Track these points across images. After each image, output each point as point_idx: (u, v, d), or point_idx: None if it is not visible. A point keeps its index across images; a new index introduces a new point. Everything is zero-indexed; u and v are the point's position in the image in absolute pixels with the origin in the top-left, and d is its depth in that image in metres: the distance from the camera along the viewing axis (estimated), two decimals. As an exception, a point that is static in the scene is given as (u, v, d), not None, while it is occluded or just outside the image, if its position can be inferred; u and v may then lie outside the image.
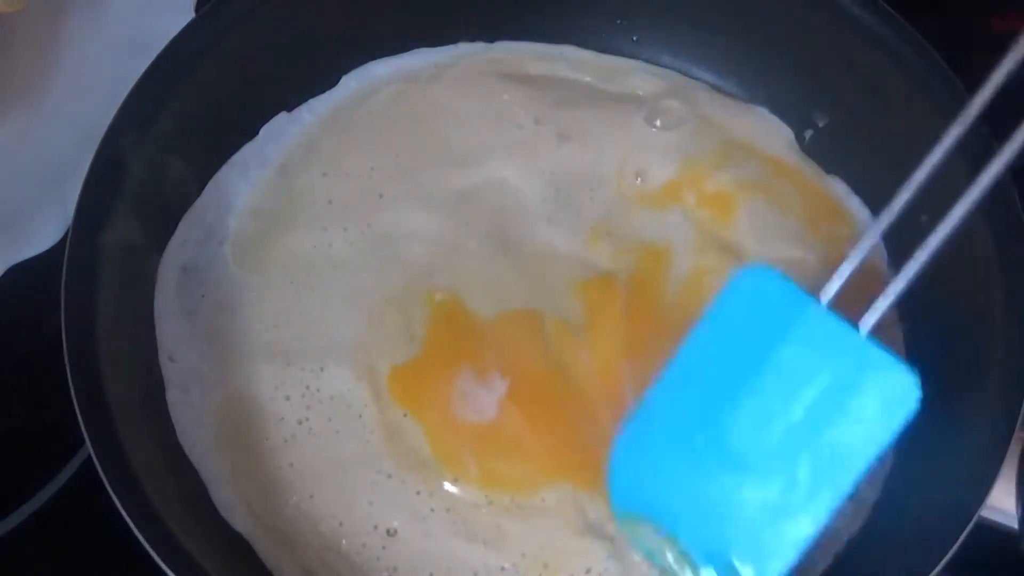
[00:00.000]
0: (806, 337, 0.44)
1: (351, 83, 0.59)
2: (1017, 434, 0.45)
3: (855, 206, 0.58)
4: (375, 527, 0.48)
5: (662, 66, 0.61)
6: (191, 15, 0.60)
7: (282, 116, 0.58)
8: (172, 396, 0.51)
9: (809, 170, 0.59)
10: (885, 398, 0.42)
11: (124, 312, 0.49)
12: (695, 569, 0.46)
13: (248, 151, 0.57)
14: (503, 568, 0.48)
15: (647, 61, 0.61)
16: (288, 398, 0.51)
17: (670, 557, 0.46)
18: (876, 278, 0.56)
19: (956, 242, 0.52)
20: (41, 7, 0.63)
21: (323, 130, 0.58)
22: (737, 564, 0.44)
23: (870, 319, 0.43)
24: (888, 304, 0.43)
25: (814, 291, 0.44)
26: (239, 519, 0.49)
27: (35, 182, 0.58)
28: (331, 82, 0.59)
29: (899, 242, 0.56)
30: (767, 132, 0.59)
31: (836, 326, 0.43)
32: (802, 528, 0.43)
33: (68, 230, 0.48)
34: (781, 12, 0.57)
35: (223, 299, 0.53)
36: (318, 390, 0.51)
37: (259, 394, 0.51)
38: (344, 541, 0.48)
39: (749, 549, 0.44)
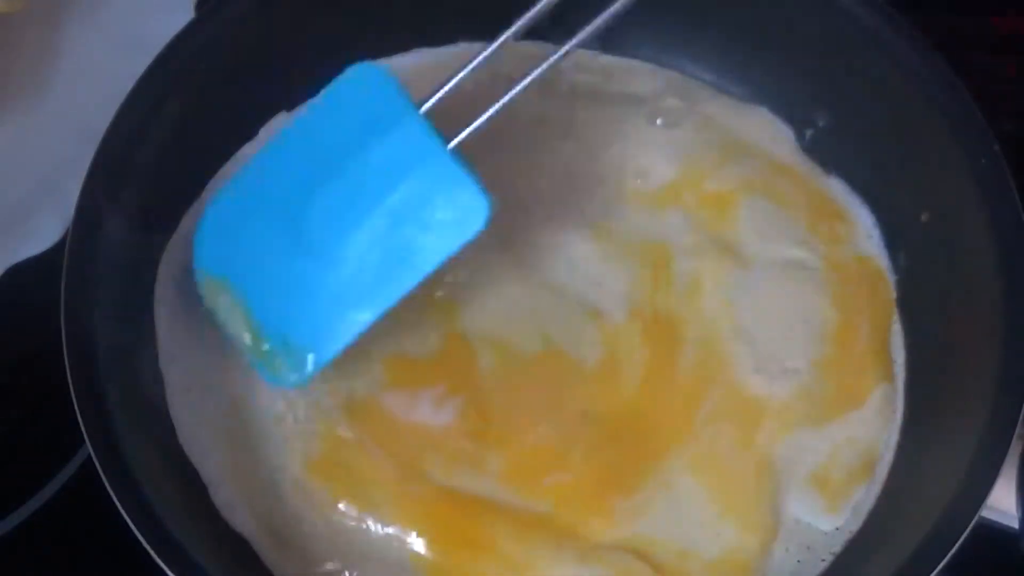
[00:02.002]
0: (398, 141, 0.46)
1: (351, 83, 0.59)
2: (1017, 434, 0.45)
3: (855, 206, 0.58)
4: (375, 528, 0.48)
5: (662, 66, 0.61)
6: (191, 15, 0.60)
7: (282, 116, 0.58)
8: (172, 396, 0.51)
9: (809, 170, 0.59)
10: (456, 212, 0.46)
11: (124, 312, 0.49)
12: (259, 342, 0.49)
13: (248, 151, 0.57)
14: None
15: (647, 61, 0.61)
16: (288, 397, 0.51)
17: (241, 327, 0.49)
18: (873, 272, 0.56)
19: (950, 237, 0.52)
20: (41, 7, 0.63)
21: (323, 130, 0.58)
22: (295, 341, 0.48)
23: (457, 137, 0.46)
24: (477, 124, 0.46)
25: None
26: (239, 519, 0.49)
27: (35, 182, 0.58)
28: (331, 82, 0.59)
29: (899, 241, 0.56)
30: (767, 132, 0.59)
31: (426, 136, 0.46)
32: (361, 316, 0.47)
33: (68, 230, 0.48)
34: (782, 12, 0.57)
35: (223, 299, 0.53)
36: (318, 390, 0.51)
37: (259, 394, 0.51)
38: (344, 540, 0.48)
39: (310, 329, 0.48)
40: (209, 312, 0.50)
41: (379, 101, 0.47)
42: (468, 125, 0.46)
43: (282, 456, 0.50)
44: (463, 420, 0.50)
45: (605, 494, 0.49)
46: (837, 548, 0.50)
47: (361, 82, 0.48)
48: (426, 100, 0.47)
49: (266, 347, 0.49)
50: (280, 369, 0.49)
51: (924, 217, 0.54)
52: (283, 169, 0.49)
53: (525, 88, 0.46)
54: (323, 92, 0.49)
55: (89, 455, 0.43)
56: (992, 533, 0.48)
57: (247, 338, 0.49)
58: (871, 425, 0.52)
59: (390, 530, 0.48)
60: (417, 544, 0.48)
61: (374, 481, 0.49)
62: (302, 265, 0.48)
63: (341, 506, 0.49)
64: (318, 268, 0.48)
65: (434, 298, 0.53)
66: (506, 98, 0.46)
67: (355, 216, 0.47)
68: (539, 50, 0.49)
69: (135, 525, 0.42)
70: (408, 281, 0.47)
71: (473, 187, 0.46)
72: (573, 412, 0.51)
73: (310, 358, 0.48)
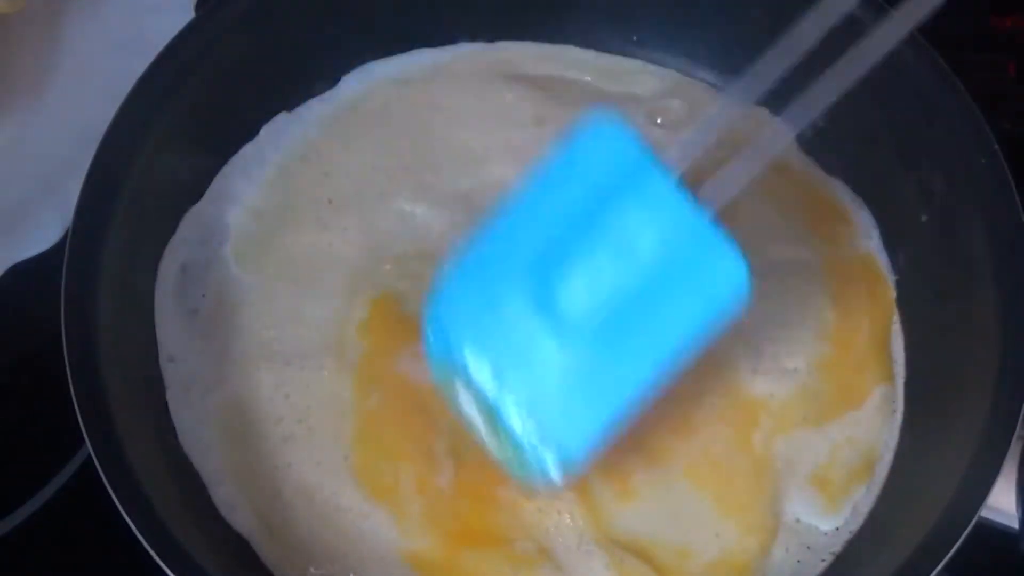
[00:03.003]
0: (645, 204, 0.40)
1: (351, 83, 0.59)
2: (1017, 434, 0.45)
3: (855, 206, 0.58)
4: (375, 528, 0.48)
5: (662, 66, 0.61)
6: (191, 15, 0.60)
7: (282, 116, 0.58)
8: (172, 396, 0.51)
9: (809, 170, 0.59)
10: (714, 285, 0.40)
11: (124, 312, 0.49)
12: (500, 437, 0.43)
13: (248, 151, 0.57)
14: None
15: (647, 61, 0.61)
16: (288, 397, 0.51)
17: (479, 419, 0.43)
18: (873, 272, 0.56)
19: (950, 237, 0.52)
20: (41, 7, 0.63)
21: (323, 130, 0.58)
22: (538, 435, 0.42)
23: (715, 197, 0.40)
24: (738, 184, 0.40)
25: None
26: (239, 519, 0.49)
27: (35, 182, 0.58)
28: (331, 82, 0.59)
29: (899, 241, 0.56)
30: (767, 132, 0.59)
31: (677, 201, 0.40)
32: (610, 403, 0.41)
33: (68, 230, 0.48)
34: (782, 12, 0.57)
35: (223, 299, 0.53)
36: (318, 389, 0.51)
37: (259, 394, 0.51)
38: (344, 540, 0.48)
39: (554, 419, 0.42)
40: (440, 389, 0.45)
41: (620, 158, 0.41)
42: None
43: (282, 456, 0.50)
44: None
45: (604, 494, 0.49)
46: (837, 548, 0.50)
47: (599, 137, 0.41)
48: (671, 160, 0.41)
49: (507, 441, 0.43)
50: (524, 467, 0.43)
51: (924, 217, 0.54)
52: (517, 238, 0.42)
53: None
54: (558, 149, 0.42)
55: (89, 455, 0.43)
56: (992, 533, 0.48)
57: (485, 433, 0.44)
58: (871, 425, 0.52)
59: (391, 530, 0.48)
60: (417, 544, 0.48)
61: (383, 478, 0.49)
62: (543, 345, 0.41)
63: (341, 506, 0.49)
64: (560, 349, 0.41)
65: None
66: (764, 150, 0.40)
67: (602, 285, 0.40)
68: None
69: (135, 525, 0.42)
70: (663, 361, 0.41)
71: (733, 254, 0.40)
72: None
73: (556, 455, 0.42)
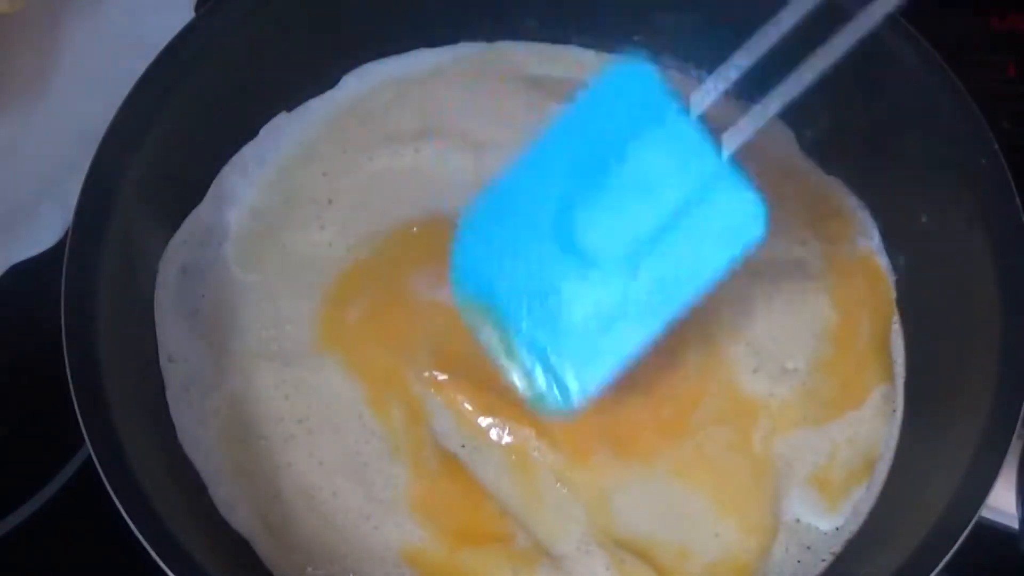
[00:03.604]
0: (668, 144, 0.42)
1: (351, 83, 0.59)
2: (1017, 434, 0.45)
3: (855, 206, 0.58)
4: (375, 527, 0.48)
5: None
6: (191, 15, 0.60)
7: (282, 116, 0.58)
8: (172, 396, 0.51)
9: (809, 170, 0.59)
10: (732, 220, 0.42)
11: (124, 312, 0.49)
12: (521, 367, 0.46)
13: (248, 151, 0.57)
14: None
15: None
16: (287, 397, 0.51)
17: (502, 349, 0.46)
18: (873, 272, 0.56)
19: (950, 237, 0.52)
20: (41, 7, 0.63)
21: (323, 130, 0.58)
22: (559, 366, 0.45)
23: (733, 139, 0.42)
24: (754, 126, 0.41)
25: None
26: (239, 519, 0.49)
27: (35, 181, 0.58)
28: (331, 82, 0.59)
29: (899, 241, 0.56)
30: (767, 132, 0.59)
31: (699, 139, 0.42)
32: (630, 337, 0.44)
33: (68, 230, 0.48)
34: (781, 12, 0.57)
35: (223, 299, 0.53)
36: (318, 389, 0.51)
37: (259, 393, 0.51)
38: (343, 540, 0.48)
39: (574, 351, 0.44)
40: (471, 330, 0.47)
41: (645, 101, 0.43)
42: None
43: (281, 455, 0.50)
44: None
45: (604, 494, 0.49)
46: (837, 548, 0.50)
47: (625, 81, 0.43)
48: (691, 100, 0.43)
49: (528, 372, 0.45)
50: (544, 397, 0.46)
51: (924, 217, 0.54)
52: (541, 177, 0.45)
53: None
54: (584, 92, 0.44)
55: (89, 455, 0.43)
56: (992, 533, 0.48)
57: (508, 363, 0.46)
58: (871, 425, 0.52)
59: (391, 530, 0.48)
60: (417, 544, 0.48)
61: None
62: (566, 282, 0.44)
63: (341, 506, 0.49)
64: (583, 285, 0.44)
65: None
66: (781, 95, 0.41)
67: (626, 227, 0.43)
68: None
69: (135, 525, 0.42)
70: (684, 296, 0.43)
71: (750, 192, 0.42)
72: None
73: (575, 385, 0.45)
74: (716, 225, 0.42)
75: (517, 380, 0.46)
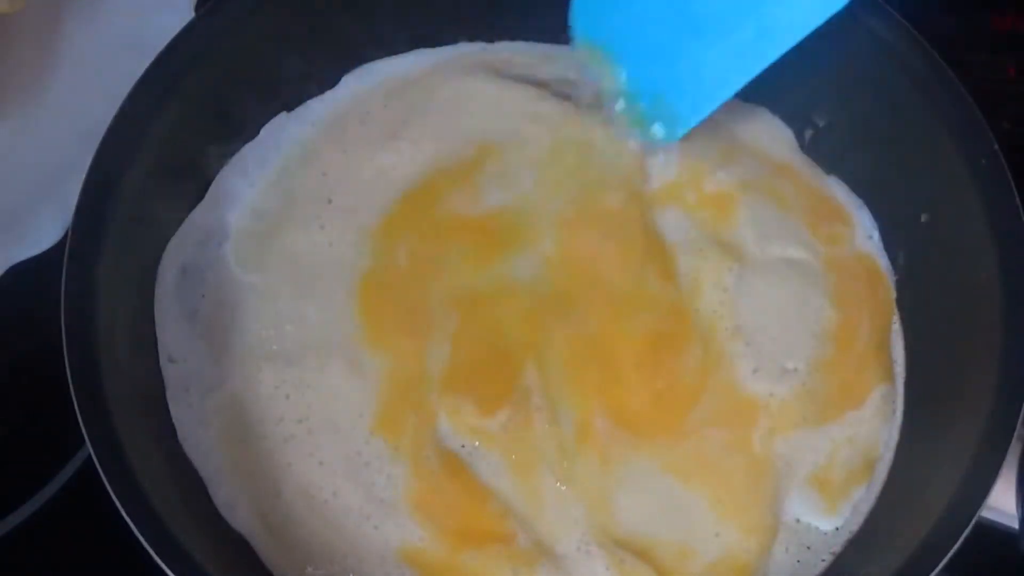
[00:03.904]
0: None
1: (351, 83, 0.59)
2: (1017, 434, 0.45)
3: (855, 206, 0.58)
4: (375, 527, 0.48)
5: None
6: (191, 15, 0.60)
7: (282, 116, 0.58)
8: (172, 396, 0.51)
9: (809, 170, 0.59)
10: None
11: (124, 312, 0.49)
12: (633, 102, 0.54)
13: (248, 151, 0.57)
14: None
15: None
16: (288, 397, 0.51)
17: (614, 87, 0.55)
18: (873, 272, 0.56)
19: (950, 237, 0.52)
20: (41, 7, 0.63)
21: (323, 130, 0.58)
22: (668, 100, 0.53)
23: None
24: None
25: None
26: (239, 519, 0.49)
27: (35, 181, 0.58)
28: (331, 82, 0.59)
29: (899, 241, 0.56)
30: (767, 132, 0.59)
31: None
32: (732, 79, 0.52)
33: (68, 229, 0.48)
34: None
35: (223, 299, 0.53)
36: (318, 389, 0.51)
37: (259, 393, 0.51)
38: (344, 540, 0.48)
39: (682, 90, 0.53)
40: (583, 70, 0.55)
41: None
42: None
43: (282, 455, 0.50)
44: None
45: (604, 495, 0.49)
46: (837, 548, 0.50)
47: None
48: None
49: (639, 106, 0.54)
50: (651, 127, 0.54)
51: (924, 217, 0.54)
52: None
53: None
54: None
55: (89, 455, 0.43)
56: (992, 533, 0.48)
57: (620, 100, 0.54)
58: (871, 425, 0.52)
59: (391, 530, 0.48)
60: (417, 544, 0.48)
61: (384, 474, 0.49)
62: (678, 29, 0.52)
63: (341, 506, 0.49)
64: (693, 32, 0.51)
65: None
66: None
67: None
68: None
69: (135, 525, 0.42)
70: (775, 50, 0.50)
71: None
72: None
73: (681, 116, 0.53)
74: None
75: (625, 110, 0.54)
